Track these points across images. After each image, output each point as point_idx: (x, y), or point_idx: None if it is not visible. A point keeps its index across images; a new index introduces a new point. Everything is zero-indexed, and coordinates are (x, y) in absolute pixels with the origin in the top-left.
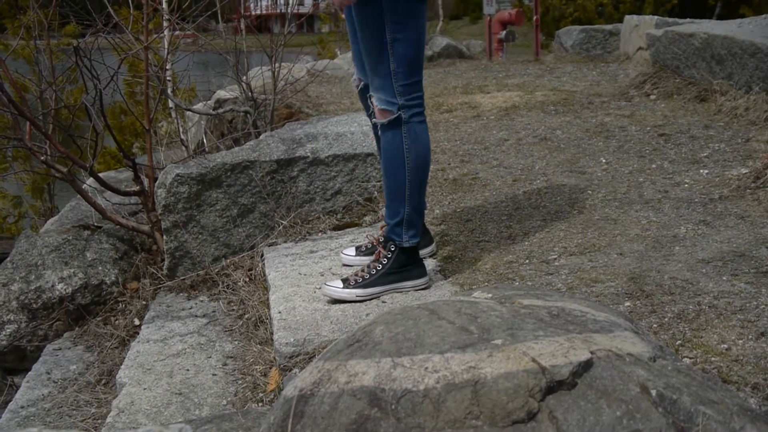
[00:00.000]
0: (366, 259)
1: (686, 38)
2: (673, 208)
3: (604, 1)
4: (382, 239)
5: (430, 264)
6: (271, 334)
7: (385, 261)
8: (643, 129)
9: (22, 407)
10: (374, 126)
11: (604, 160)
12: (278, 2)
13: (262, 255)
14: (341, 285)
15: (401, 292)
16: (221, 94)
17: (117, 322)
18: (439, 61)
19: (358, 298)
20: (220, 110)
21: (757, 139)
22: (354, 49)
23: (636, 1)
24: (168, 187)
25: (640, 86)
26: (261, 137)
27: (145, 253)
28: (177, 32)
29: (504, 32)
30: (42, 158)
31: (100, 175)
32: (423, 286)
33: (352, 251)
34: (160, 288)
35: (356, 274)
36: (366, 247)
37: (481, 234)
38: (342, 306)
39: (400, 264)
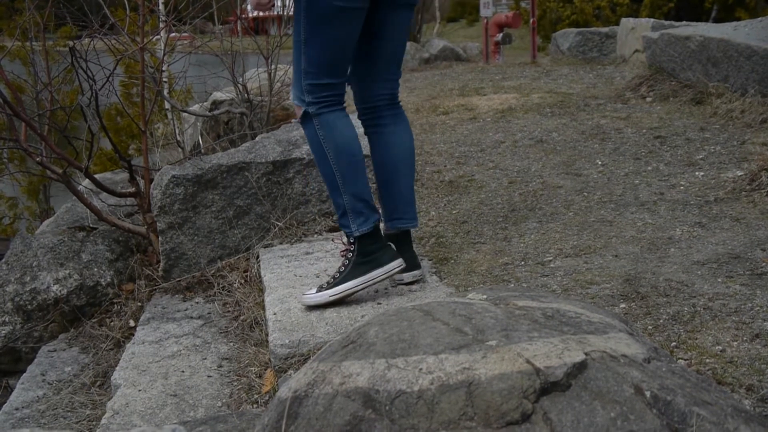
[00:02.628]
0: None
1: (682, 41)
2: (669, 210)
3: (601, 4)
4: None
5: (425, 265)
6: (267, 335)
7: (350, 255)
8: (639, 131)
9: (17, 409)
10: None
11: (599, 162)
12: (275, 4)
13: (258, 257)
14: (314, 291)
15: (383, 284)
16: (217, 95)
17: (112, 323)
18: (435, 63)
19: (331, 299)
20: (216, 112)
21: (753, 142)
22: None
23: (633, 3)
24: (164, 189)
25: (636, 89)
26: (257, 139)
27: (140, 254)
28: (173, 34)
29: (501, 35)
30: (37, 159)
31: (96, 176)
32: (398, 268)
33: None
34: (155, 289)
35: (330, 276)
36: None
37: (477, 236)
38: (337, 307)
39: (367, 253)
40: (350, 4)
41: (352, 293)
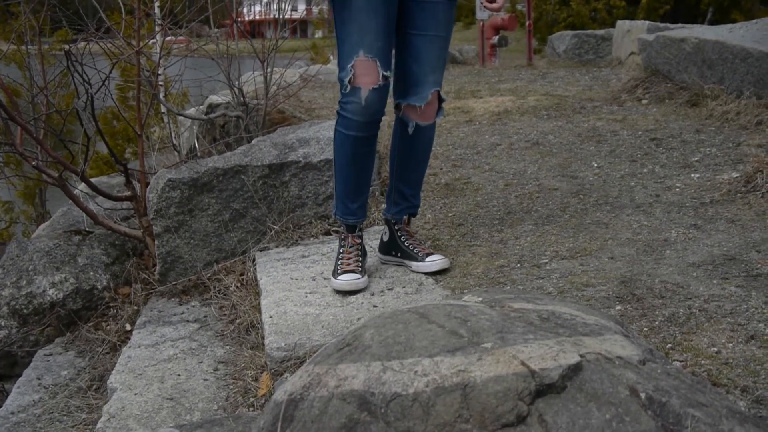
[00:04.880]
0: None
1: (678, 43)
2: (664, 212)
3: (597, 7)
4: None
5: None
6: (263, 338)
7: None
8: (635, 133)
9: (13, 413)
10: (406, 122)
11: (595, 165)
12: (271, 8)
13: (254, 260)
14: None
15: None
16: (213, 98)
17: (108, 327)
18: None
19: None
20: (212, 115)
21: (748, 144)
22: (388, 43)
23: (629, 6)
24: (159, 192)
25: (632, 91)
26: (253, 142)
27: (136, 258)
28: (169, 37)
29: (497, 37)
30: (33, 163)
31: (92, 180)
32: None
33: (354, 276)
34: (151, 293)
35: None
36: (359, 267)
37: (473, 238)
38: (333, 310)
39: None
40: None
41: None
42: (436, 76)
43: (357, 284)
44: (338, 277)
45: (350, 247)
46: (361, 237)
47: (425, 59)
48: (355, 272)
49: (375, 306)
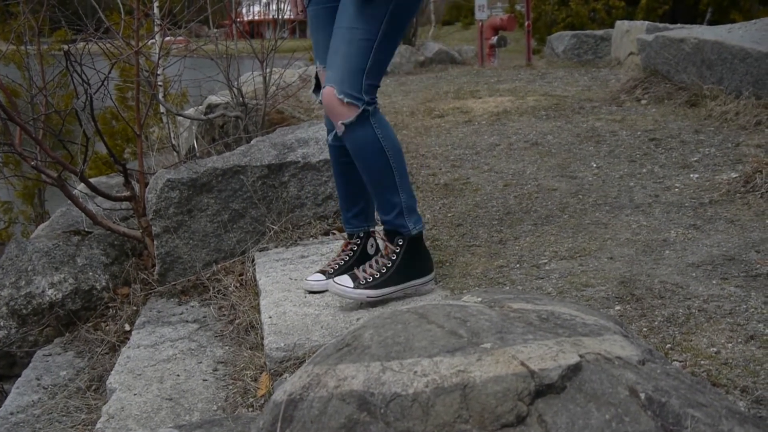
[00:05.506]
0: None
1: (677, 43)
2: (664, 212)
3: (596, 7)
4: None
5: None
6: (262, 339)
7: (394, 257)
8: (634, 134)
9: (12, 414)
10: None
11: (594, 165)
12: (270, 8)
13: (253, 260)
14: (351, 284)
15: (409, 292)
16: (212, 99)
17: (107, 327)
18: (431, 66)
19: (369, 300)
20: (211, 115)
21: (747, 144)
22: (322, 40)
23: (628, 6)
24: (159, 192)
25: (631, 91)
26: (252, 142)
27: (135, 258)
28: (168, 37)
29: (496, 38)
30: (32, 164)
31: (91, 180)
32: (432, 279)
33: (319, 276)
34: (150, 293)
35: (365, 272)
36: (333, 269)
37: (472, 238)
38: (332, 310)
39: (411, 256)
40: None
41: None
42: (331, 71)
43: (313, 285)
44: (308, 276)
45: (342, 251)
46: (359, 245)
47: (329, 53)
48: (325, 273)
49: (374, 306)
